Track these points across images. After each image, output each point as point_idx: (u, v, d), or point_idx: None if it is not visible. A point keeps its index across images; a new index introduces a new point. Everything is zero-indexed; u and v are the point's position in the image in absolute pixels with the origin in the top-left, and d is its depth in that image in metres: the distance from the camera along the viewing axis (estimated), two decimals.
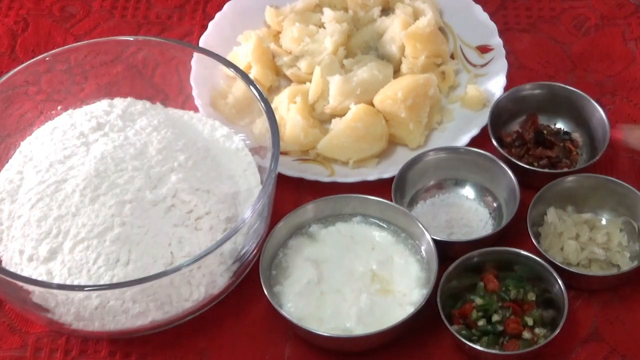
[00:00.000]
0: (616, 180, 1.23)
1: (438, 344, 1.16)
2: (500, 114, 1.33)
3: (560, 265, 1.17)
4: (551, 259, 1.17)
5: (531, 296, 1.16)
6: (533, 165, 1.28)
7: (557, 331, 1.11)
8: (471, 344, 1.11)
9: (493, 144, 1.29)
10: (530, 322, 1.14)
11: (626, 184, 1.22)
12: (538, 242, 1.19)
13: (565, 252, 1.20)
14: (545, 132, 1.32)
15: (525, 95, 1.35)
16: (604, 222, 1.24)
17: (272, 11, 1.46)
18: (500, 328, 1.14)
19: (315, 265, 1.19)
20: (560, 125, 1.35)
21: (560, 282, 1.14)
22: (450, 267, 1.16)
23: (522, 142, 1.31)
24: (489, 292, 1.16)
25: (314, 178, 1.29)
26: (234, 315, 1.20)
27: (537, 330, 1.14)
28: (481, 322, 1.14)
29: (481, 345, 1.12)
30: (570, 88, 1.34)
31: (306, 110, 1.34)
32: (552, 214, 1.23)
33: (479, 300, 1.15)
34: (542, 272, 1.16)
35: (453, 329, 1.13)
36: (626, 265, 1.19)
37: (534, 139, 1.31)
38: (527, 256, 1.17)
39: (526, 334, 1.13)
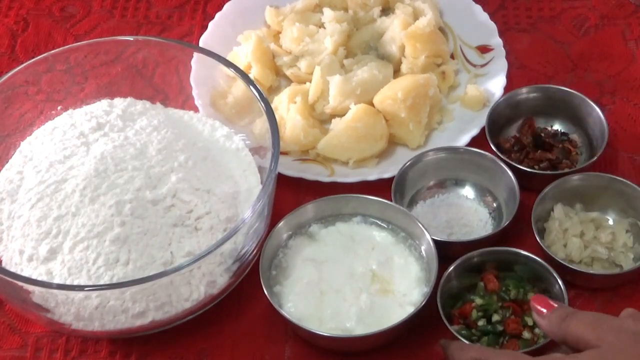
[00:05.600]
0: (625, 181, 1.22)
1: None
2: (497, 120, 1.32)
3: (562, 262, 1.17)
4: (553, 255, 1.17)
5: (531, 296, 1.16)
6: (534, 169, 1.28)
7: None
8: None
9: (492, 150, 1.29)
10: (530, 322, 1.14)
11: (636, 186, 1.22)
12: (541, 238, 1.19)
13: (569, 248, 1.20)
14: (543, 134, 1.32)
15: (521, 100, 1.34)
16: (611, 222, 1.23)
17: (272, 11, 1.46)
18: (500, 328, 1.14)
19: (315, 265, 1.19)
20: (557, 126, 1.35)
21: (560, 282, 1.14)
22: (450, 267, 1.16)
23: (521, 146, 1.31)
24: (489, 292, 1.16)
25: (314, 178, 1.29)
26: (233, 315, 1.20)
27: (537, 330, 1.13)
28: (481, 322, 1.14)
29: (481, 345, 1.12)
30: (566, 89, 1.34)
31: (306, 110, 1.34)
32: (559, 211, 1.22)
33: (479, 300, 1.15)
34: (542, 272, 1.16)
35: (453, 329, 1.13)
36: (629, 266, 1.19)
37: (533, 142, 1.31)
38: (527, 256, 1.17)
39: (526, 334, 1.13)
